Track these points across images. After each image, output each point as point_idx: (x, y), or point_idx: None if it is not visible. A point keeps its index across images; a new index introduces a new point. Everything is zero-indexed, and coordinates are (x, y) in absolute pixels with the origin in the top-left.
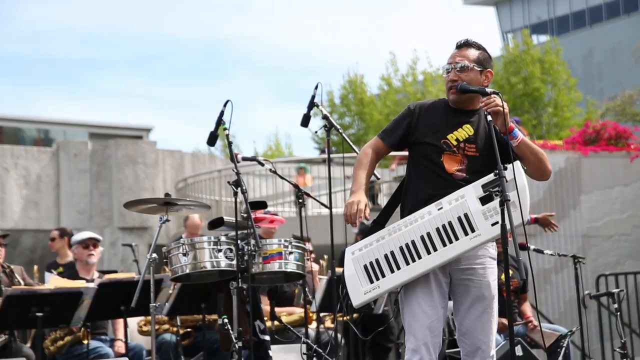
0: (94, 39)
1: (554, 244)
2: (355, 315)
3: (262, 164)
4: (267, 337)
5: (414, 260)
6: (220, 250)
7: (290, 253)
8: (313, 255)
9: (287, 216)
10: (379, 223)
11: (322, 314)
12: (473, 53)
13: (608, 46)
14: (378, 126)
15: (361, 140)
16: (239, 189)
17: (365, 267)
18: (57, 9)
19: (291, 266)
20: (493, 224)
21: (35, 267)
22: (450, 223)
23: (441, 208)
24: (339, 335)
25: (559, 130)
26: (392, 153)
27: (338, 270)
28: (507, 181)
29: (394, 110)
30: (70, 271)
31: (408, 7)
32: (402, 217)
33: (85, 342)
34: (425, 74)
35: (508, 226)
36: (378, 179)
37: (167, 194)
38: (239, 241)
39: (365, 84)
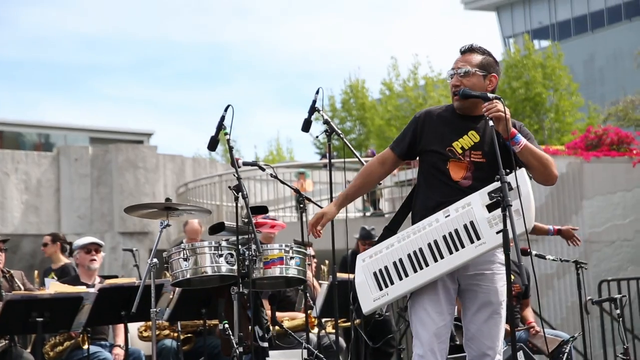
0: (94, 44)
1: (556, 249)
2: (357, 321)
3: (263, 169)
4: (266, 344)
5: (421, 268)
6: (221, 255)
7: (291, 258)
8: (315, 260)
9: (288, 221)
10: (391, 229)
11: (323, 320)
12: (476, 58)
13: (610, 51)
14: (379, 131)
15: (362, 145)
16: (240, 193)
17: (375, 274)
18: (57, 14)
19: (292, 271)
20: (498, 232)
21: (36, 272)
22: (456, 231)
23: (448, 215)
24: (341, 340)
25: (560, 135)
26: None
27: (339, 275)
28: (511, 188)
29: (395, 115)
30: (61, 275)
31: (409, 12)
32: (412, 223)
33: (85, 347)
34: (427, 79)
35: (510, 231)
36: (379, 183)
37: (167, 199)
38: (239, 246)
39: (366, 89)
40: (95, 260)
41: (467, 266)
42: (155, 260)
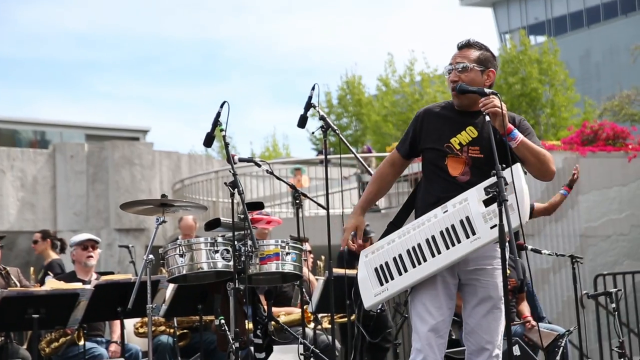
0: (90, 41)
1: (551, 244)
2: (353, 316)
3: (259, 165)
4: (259, 341)
5: (420, 263)
6: (217, 251)
7: (288, 254)
8: (311, 256)
9: (285, 217)
10: (395, 225)
11: (319, 315)
12: (473, 53)
13: (606, 46)
14: (375, 127)
15: (358, 141)
16: (236, 190)
17: (376, 269)
18: (53, 10)
19: (288, 267)
20: (492, 227)
21: (32, 268)
22: (453, 226)
23: (446, 211)
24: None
25: (556, 130)
26: (390, 154)
27: (336, 270)
28: (507, 183)
29: (392, 111)
30: (48, 270)
31: (405, 8)
32: (415, 219)
33: (81, 343)
34: (423, 75)
35: (506, 227)
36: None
37: (163, 195)
38: (236, 242)
39: (362, 85)
40: (91, 256)
41: (467, 261)
42: (151, 256)
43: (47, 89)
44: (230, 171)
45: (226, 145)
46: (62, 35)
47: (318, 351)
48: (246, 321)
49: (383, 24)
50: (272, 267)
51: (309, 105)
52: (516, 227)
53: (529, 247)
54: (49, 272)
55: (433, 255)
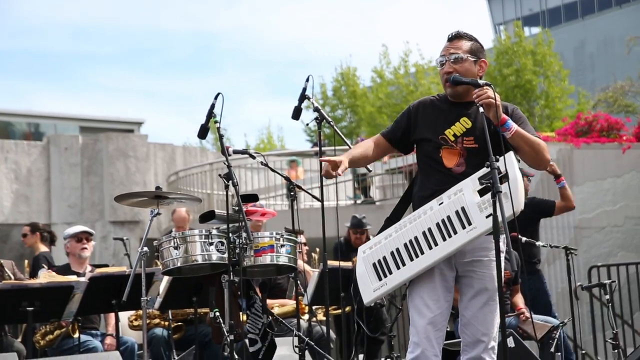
0: (84, 33)
1: (546, 235)
2: (347, 308)
3: (254, 157)
4: (253, 336)
5: (417, 256)
6: (211, 244)
7: (282, 246)
8: (306, 248)
9: (279, 209)
10: (392, 220)
11: (314, 307)
12: (465, 44)
13: (600, 37)
14: (370, 119)
15: (353, 132)
16: (230, 182)
17: (374, 265)
18: (48, 2)
19: (283, 259)
20: (487, 216)
21: (26, 261)
22: (449, 217)
23: (442, 203)
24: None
25: (551, 122)
26: None
27: (330, 263)
28: (501, 173)
29: (386, 102)
30: (33, 264)
31: (400, 0)
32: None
33: (76, 335)
34: (417, 66)
35: (500, 218)
36: (370, 171)
37: (158, 187)
38: (230, 234)
39: (357, 77)
40: (86, 248)
41: (463, 253)
42: (145, 249)
43: (42, 80)
44: (224, 163)
45: (220, 137)
46: (56, 27)
47: (313, 343)
48: (240, 313)
49: (377, 16)
50: (266, 259)
51: (303, 97)
52: (510, 216)
53: (523, 238)
54: (43, 265)
55: (430, 248)
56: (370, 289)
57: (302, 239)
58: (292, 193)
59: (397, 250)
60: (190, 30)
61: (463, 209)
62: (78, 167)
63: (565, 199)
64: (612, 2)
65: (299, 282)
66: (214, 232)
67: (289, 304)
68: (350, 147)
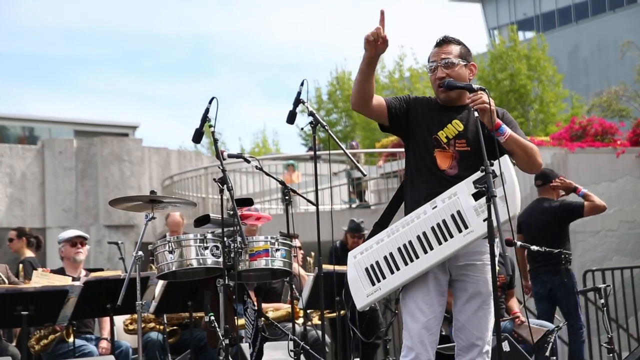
0: (79, 36)
1: None
2: (342, 312)
3: (248, 161)
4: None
5: (412, 261)
6: (206, 248)
7: (277, 250)
8: (302, 252)
9: (274, 213)
10: (381, 225)
11: (309, 311)
12: (455, 48)
13: (594, 42)
14: (365, 123)
15: (348, 137)
16: (225, 186)
17: (367, 269)
18: (42, 6)
19: (278, 263)
20: (484, 220)
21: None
22: (444, 221)
23: (435, 207)
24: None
25: (545, 126)
26: (379, 150)
27: (325, 267)
28: (495, 177)
29: None
30: (19, 268)
31: (394, 4)
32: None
33: (70, 340)
34: (412, 71)
35: (495, 222)
36: (364, 175)
37: (152, 192)
38: (225, 238)
39: (352, 81)
40: (80, 252)
41: (457, 257)
42: (140, 253)
43: (36, 84)
44: (219, 167)
45: (215, 141)
46: (51, 31)
47: (308, 347)
48: (235, 318)
49: (372, 20)
50: (261, 263)
51: (297, 101)
52: (505, 220)
53: (518, 243)
54: (35, 268)
55: (425, 252)
56: (363, 294)
57: (297, 243)
58: (287, 197)
59: (391, 254)
60: (184, 33)
61: (459, 212)
62: (72, 171)
63: (592, 204)
64: (606, 6)
65: (293, 286)
66: (209, 236)
67: (283, 308)
68: (344, 151)
